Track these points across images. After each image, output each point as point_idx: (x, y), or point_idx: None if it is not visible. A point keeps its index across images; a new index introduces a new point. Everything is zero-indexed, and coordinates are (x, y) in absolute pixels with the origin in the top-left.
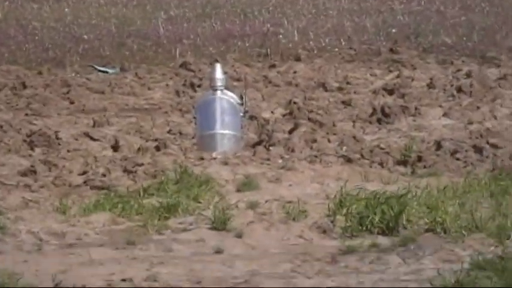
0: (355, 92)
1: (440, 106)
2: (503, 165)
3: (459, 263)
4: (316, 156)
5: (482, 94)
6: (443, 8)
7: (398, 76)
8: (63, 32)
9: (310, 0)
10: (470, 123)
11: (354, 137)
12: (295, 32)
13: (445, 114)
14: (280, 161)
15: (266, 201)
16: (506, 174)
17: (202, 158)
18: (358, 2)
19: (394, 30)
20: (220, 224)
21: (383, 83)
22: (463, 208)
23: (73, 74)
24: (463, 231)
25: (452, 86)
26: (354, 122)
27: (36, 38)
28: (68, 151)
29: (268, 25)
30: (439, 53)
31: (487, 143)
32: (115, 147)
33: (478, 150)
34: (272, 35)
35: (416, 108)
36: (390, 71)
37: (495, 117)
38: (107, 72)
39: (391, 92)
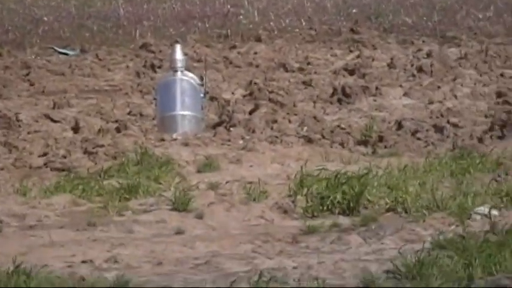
0: (315, 73)
1: (401, 86)
2: (463, 144)
3: (420, 242)
4: (276, 137)
5: (443, 74)
6: None
7: (358, 56)
8: (22, 14)
9: None
10: (431, 102)
11: (315, 117)
12: (256, 12)
13: (405, 94)
14: (240, 141)
15: (227, 182)
16: (467, 154)
17: (162, 139)
18: None
19: (354, 11)
20: (181, 205)
21: (343, 63)
22: (424, 187)
23: (33, 56)
24: (424, 211)
25: (412, 65)
26: (314, 102)
27: None
28: (28, 133)
29: (229, 6)
30: (400, 33)
31: (448, 122)
32: (75, 129)
33: (439, 129)
34: (232, 15)
35: (377, 88)
36: (351, 51)
37: (456, 97)
38: (67, 54)
39: (351, 72)
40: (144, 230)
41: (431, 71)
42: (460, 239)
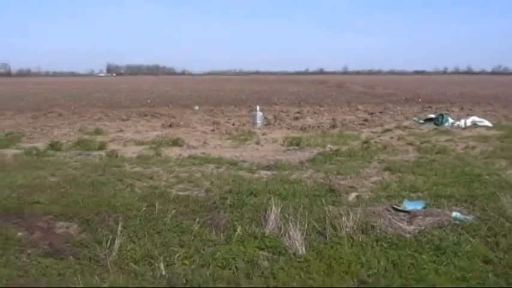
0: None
1: None
2: None
3: None
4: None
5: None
6: None
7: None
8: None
9: None
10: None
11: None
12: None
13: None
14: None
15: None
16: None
17: (253, 128)
18: None
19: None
20: (259, 143)
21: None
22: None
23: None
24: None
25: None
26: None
27: None
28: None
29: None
30: None
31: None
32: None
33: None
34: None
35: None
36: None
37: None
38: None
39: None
40: (248, 148)
41: None
42: (321, 157)
